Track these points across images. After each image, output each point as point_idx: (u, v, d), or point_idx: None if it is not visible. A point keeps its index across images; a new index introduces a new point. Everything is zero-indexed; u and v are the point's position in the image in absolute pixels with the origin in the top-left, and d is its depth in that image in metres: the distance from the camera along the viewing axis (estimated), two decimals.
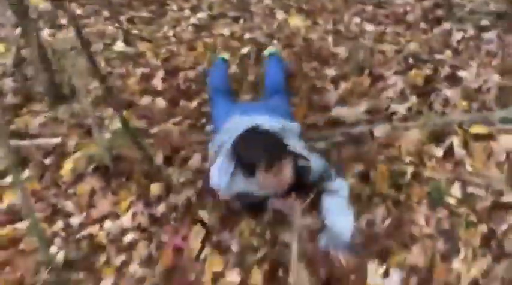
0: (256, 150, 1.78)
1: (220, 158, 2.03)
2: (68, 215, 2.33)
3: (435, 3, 3.86)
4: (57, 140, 2.71)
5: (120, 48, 3.86)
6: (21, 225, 2.28)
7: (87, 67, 3.20)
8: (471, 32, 3.35)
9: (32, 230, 1.96)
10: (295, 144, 2.00)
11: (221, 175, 1.97)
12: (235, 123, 2.17)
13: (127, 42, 3.91)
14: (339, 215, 1.91)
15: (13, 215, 2.36)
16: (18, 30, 3.40)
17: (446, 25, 3.51)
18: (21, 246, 2.16)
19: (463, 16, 3.55)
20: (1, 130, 1.78)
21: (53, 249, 2.09)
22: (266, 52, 3.29)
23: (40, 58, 3.04)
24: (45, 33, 3.90)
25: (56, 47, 3.48)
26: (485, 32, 3.33)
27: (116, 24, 4.08)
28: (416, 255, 1.81)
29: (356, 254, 1.84)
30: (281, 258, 1.90)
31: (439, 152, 2.28)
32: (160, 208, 2.24)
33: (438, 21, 3.59)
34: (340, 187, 1.98)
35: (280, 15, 4.16)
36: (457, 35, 3.37)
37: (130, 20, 4.36)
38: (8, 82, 3.43)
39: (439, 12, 3.69)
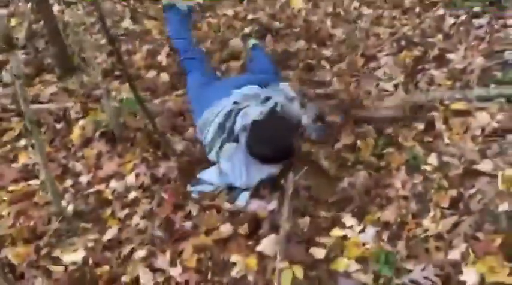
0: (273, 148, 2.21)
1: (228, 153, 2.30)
2: (77, 174, 2.54)
3: None
4: (68, 104, 2.92)
5: (128, 26, 4.04)
6: (34, 182, 2.50)
7: (95, 41, 3.42)
8: (463, 17, 3.49)
9: (46, 184, 2.17)
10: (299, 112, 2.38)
11: (238, 170, 2.23)
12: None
13: (134, 19, 4.09)
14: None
15: (27, 174, 2.58)
16: (30, 5, 3.57)
17: (441, 10, 3.64)
18: (35, 199, 2.37)
19: (457, 2, 3.67)
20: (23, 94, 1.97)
21: (63, 202, 2.30)
22: (249, 44, 3.39)
23: (51, 32, 3.23)
24: (56, 8, 4.07)
25: (65, 22, 3.67)
26: (477, 18, 3.46)
27: (124, 3, 4.25)
28: (389, 214, 2.00)
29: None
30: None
31: (421, 125, 2.46)
32: (162, 170, 2.44)
33: (434, 6, 3.72)
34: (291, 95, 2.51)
35: None
36: (450, 20, 3.50)
37: None
38: (21, 55, 3.62)
39: None
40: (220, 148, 2.35)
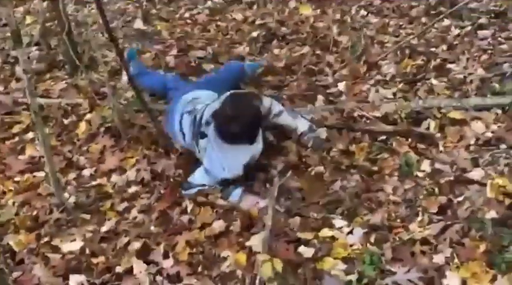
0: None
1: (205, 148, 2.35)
2: (81, 168, 2.63)
3: (439, 1, 4.02)
4: (76, 100, 3.02)
5: (139, 26, 4.14)
6: (39, 174, 2.59)
7: (106, 41, 3.51)
8: (468, 29, 3.53)
9: (49, 176, 2.26)
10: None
11: (217, 163, 2.28)
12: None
13: (145, 20, 4.19)
14: (296, 120, 2.55)
15: (33, 165, 2.68)
16: (45, 4, 3.69)
17: (447, 21, 3.68)
18: (39, 190, 2.46)
19: (463, 14, 3.71)
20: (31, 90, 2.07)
21: (66, 194, 2.38)
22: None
23: (64, 30, 3.34)
24: (70, 8, 4.20)
25: (79, 21, 3.79)
26: (482, 29, 3.49)
27: (136, 4, 4.36)
28: (378, 217, 2.05)
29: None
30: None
31: (417, 132, 2.50)
32: (162, 167, 2.51)
33: (439, 16, 3.76)
34: (279, 109, 2.53)
35: (292, 3, 4.38)
36: (455, 31, 3.54)
37: (150, 0, 4.64)
38: (34, 51, 3.75)
39: (442, 8, 3.86)
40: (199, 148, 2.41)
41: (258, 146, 2.37)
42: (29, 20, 4.21)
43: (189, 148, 2.53)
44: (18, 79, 3.45)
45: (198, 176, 2.35)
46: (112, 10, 4.35)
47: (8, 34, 3.98)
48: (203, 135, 2.37)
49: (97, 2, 2.06)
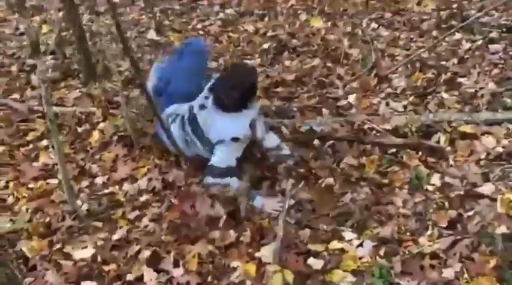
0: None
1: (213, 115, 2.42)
2: (93, 176, 2.66)
3: (450, 14, 4.05)
4: (90, 109, 3.07)
5: (152, 37, 4.21)
6: (53, 181, 2.63)
7: (120, 51, 3.57)
8: (479, 43, 3.54)
9: (62, 183, 2.30)
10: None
11: (224, 124, 2.37)
12: None
13: (158, 31, 4.26)
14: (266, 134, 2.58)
15: (46, 172, 2.72)
16: (60, 14, 3.76)
17: (458, 35, 3.69)
18: (52, 197, 2.50)
19: (474, 28, 3.72)
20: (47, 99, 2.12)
21: (78, 202, 2.42)
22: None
23: (79, 40, 3.41)
24: (84, 18, 4.28)
25: (93, 31, 3.86)
26: (493, 43, 3.50)
27: (150, 15, 4.43)
28: (388, 230, 2.05)
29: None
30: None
31: (427, 145, 2.51)
32: (173, 176, 2.54)
33: (450, 30, 3.78)
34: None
35: (303, 16, 4.43)
36: (466, 45, 3.56)
37: (163, 12, 4.72)
38: (49, 60, 3.82)
39: (453, 22, 3.88)
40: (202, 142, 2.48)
41: (256, 108, 2.51)
42: (45, 29, 4.30)
43: (195, 152, 2.56)
44: (33, 88, 3.51)
45: (217, 155, 2.37)
46: (126, 21, 4.42)
47: (25, 43, 4.09)
48: (202, 107, 2.48)
49: (113, 14, 2.11)
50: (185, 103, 2.63)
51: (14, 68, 3.81)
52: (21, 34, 4.40)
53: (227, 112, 2.41)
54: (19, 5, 1.91)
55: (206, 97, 2.50)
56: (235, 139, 2.36)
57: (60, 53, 3.77)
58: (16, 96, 3.47)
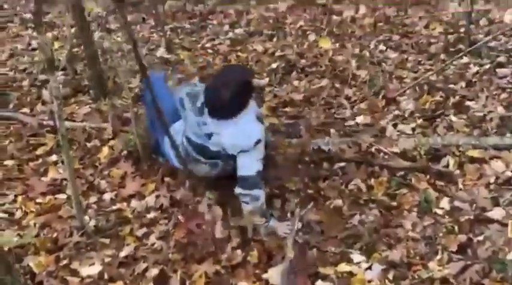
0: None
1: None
2: (102, 192, 2.67)
3: (458, 38, 4.08)
4: (100, 124, 3.10)
5: (162, 54, 4.26)
6: (61, 196, 2.64)
7: (130, 67, 3.62)
8: (487, 66, 3.56)
9: (71, 198, 2.30)
10: None
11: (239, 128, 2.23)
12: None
13: (169, 49, 4.31)
14: None
15: (54, 187, 2.73)
16: (72, 30, 3.82)
17: (465, 59, 3.72)
18: (60, 213, 2.50)
19: (482, 52, 3.75)
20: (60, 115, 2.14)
21: (86, 218, 2.42)
22: None
23: (90, 57, 3.46)
24: (96, 35, 4.34)
25: (105, 48, 3.91)
26: (501, 68, 3.52)
27: (160, 33, 4.49)
28: (397, 254, 2.04)
29: None
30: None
31: (435, 169, 2.51)
32: (180, 194, 2.54)
33: (458, 54, 3.80)
34: None
35: (312, 36, 4.47)
36: (474, 69, 3.58)
37: (174, 30, 4.79)
38: (60, 75, 3.86)
39: (461, 46, 3.90)
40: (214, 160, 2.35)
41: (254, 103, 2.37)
42: (56, 45, 4.36)
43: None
44: (44, 102, 3.55)
45: (244, 165, 2.21)
46: (137, 38, 4.47)
47: (36, 58, 4.14)
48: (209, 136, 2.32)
49: (129, 33, 2.14)
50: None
51: (25, 83, 3.85)
52: (33, 49, 4.47)
53: (230, 119, 2.25)
54: (35, 23, 1.95)
55: (204, 124, 2.32)
56: (257, 142, 2.20)
57: (71, 69, 3.82)
58: (26, 110, 3.51)
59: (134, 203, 2.56)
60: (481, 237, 2.08)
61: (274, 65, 3.94)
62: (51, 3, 5.28)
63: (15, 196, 2.65)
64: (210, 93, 2.30)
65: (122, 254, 2.22)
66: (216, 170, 2.42)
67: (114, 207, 2.54)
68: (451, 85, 3.39)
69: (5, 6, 5.75)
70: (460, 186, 2.41)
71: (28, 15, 5.25)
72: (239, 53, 4.28)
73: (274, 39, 4.49)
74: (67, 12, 3.62)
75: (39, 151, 3.03)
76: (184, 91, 2.50)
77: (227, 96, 2.21)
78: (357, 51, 4.11)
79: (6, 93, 3.71)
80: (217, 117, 2.28)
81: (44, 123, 3.26)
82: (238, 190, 2.23)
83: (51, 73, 2.10)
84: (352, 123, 3.11)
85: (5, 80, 3.92)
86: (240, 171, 2.23)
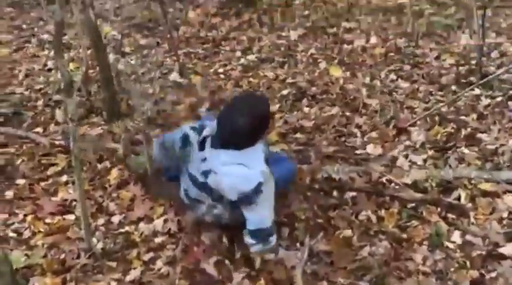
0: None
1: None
2: (110, 214, 2.67)
3: (470, 70, 4.10)
4: (112, 145, 3.13)
5: (175, 78, 4.32)
6: (70, 217, 2.64)
7: (144, 90, 3.67)
8: (499, 99, 3.56)
9: (80, 220, 2.31)
10: None
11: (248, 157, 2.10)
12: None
13: (181, 73, 4.36)
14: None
15: (63, 208, 2.73)
16: (89, 52, 3.89)
17: (477, 90, 3.72)
18: (68, 234, 2.50)
19: (494, 84, 3.75)
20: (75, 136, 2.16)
21: (94, 240, 2.41)
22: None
23: (105, 79, 3.51)
24: (111, 57, 4.42)
25: (119, 70, 3.98)
26: None
27: (174, 57, 4.56)
28: None
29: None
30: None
31: (447, 201, 2.48)
32: (189, 219, 2.53)
33: (470, 86, 3.81)
34: None
35: (322, 64, 4.51)
36: (485, 101, 3.58)
37: (187, 55, 4.86)
38: (75, 97, 3.91)
39: (472, 78, 3.92)
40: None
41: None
42: (72, 66, 4.44)
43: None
44: (57, 123, 3.59)
45: (256, 216, 2.11)
46: (151, 61, 4.55)
47: (51, 79, 4.22)
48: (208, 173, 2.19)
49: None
50: None
51: (39, 103, 3.91)
52: (49, 70, 4.55)
53: (238, 151, 2.09)
54: (55, 48, 1.99)
55: (203, 160, 2.21)
56: (258, 186, 2.03)
57: (85, 91, 3.87)
58: (40, 129, 3.55)
59: (142, 226, 2.55)
60: (493, 274, 2.04)
61: (285, 92, 3.97)
62: (68, 25, 5.40)
63: (25, 215, 2.65)
64: (227, 117, 2.10)
65: (128, 278, 2.21)
66: (225, 215, 2.32)
67: (122, 230, 2.53)
68: (463, 117, 3.38)
69: (24, 26, 5.88)
70: (472, 220, 2.38)
71: (45, 36, 5.36)
72: (250, 79, 4.32)
73: (286, 67, 4.54)
74: (83, 34, 3.69)
75: (50, 171, 3.05)
76: (188, 126, 2.36)
77: (247, 123, 2.04)
78: (367, 80, 4.13)
79: (21, 113, 3.77)
80: (228, 146, 2.12)
81: (56, 142, 3.30)
82: (248, 240, 2.14)
83: (69, 96, 2.13)
84: (362, 151, 3.11)
85: (20, 100, 3.99)
86: (249, 225, 2.12)
